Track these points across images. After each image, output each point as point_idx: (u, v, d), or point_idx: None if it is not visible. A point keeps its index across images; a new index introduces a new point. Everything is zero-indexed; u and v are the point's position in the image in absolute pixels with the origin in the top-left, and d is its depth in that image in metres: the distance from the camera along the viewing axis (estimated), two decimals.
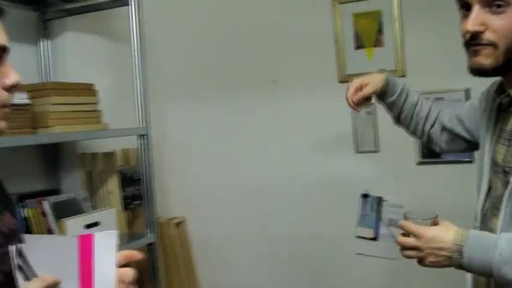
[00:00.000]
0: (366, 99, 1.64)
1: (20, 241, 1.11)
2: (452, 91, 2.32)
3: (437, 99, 2.32)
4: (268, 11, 2.65)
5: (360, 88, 1.61)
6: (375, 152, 2.45)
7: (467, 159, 2.27)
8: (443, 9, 2.29)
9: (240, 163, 2.75)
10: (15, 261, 1.00)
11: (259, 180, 2.66)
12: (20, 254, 1.01)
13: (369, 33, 2.46)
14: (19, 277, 1.01)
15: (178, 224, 2.78)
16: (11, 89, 1.04)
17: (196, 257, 2.89)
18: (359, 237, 2.06)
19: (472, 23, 1.12)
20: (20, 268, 1.01)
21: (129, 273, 1.11)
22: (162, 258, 2.65)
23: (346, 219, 2.09)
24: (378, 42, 2.45)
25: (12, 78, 1.03)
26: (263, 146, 2.68)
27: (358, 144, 2.47)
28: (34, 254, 1.02)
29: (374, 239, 2.02)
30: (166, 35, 2.84)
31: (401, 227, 1.25)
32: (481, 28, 1.12)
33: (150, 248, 2.37)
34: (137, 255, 1.15)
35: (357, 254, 2.05)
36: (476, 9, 1.13)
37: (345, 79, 2.46)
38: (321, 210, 2.54)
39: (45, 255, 1.04)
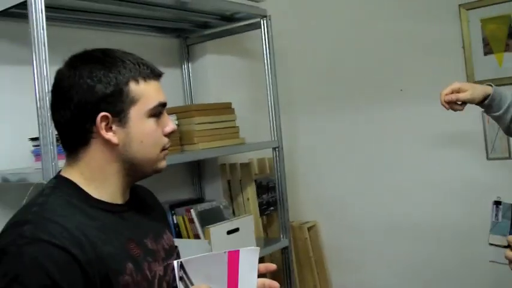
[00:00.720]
0: (459, 104, 1.65)
1: (178, 256, 1.26)
2: None
3: None
4: (394, 20, 2.60)
5: (458, 91, 1.62)
6: (508, 158, 2.32)
7: None
8: None
9: (368, 169, 2.73)
10: (178, 273, 1.12)
11: (388, 186, 2.62)
12: (182, 267, 1.12)
13: (498, 38, 2.32)
14: (180, 286, 1.12)
15: (310, 228, 2.83)
16: (169, 135, 1.18)
17: (328, 259, 2.91)
18: (492, 244, 2.00)
19: None
20: (181, 279, 1.12)
21: (276, 284, 1.23)
22: (295, 261, 2.72)
23: (479, 225, 2.01)
24: (508, 47, 2.30)
25: (170, 126, 1.17)
26: (391, 153, 2.63)
27: (489, 150, 2.35)
28: (191, 267, 1.14)
29: (507, 246, 1.96)
30: (296, 51, 2.91)
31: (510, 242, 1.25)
32: None
33: (284, 251, 2.46)
34: (272, 266, 1.27)
35: (490, 261, 1.98)
36: None
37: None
38: (455, 214, 2.45)
39: (200, 268, 1.15)
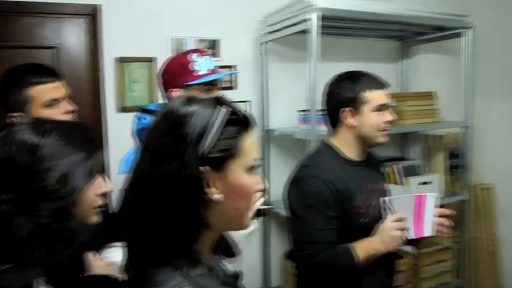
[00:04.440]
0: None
1: (386, 196, 1.58)
2: None
3: None
4: None
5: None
6: None
7: None
8: None
9: None
10: (384, 206, 1.48)
11: None
12: (389, 202, 1.48)
13: None
14: (386, 213, 1.47)
15: (487, 189, 2.92)
16: (390, 122, 1.54)
17: (499, 215, 2.96)
18: None
19: None
20: (386, 209, 1.48)
21: (446, 222, 1.52)
22: (472, 211, 2.88)
23: None
24: None
25: (389, 117, 1.53)
26: None
27: None
28: (394, 203, 1.48)
29: None
30: (493, 49, 2.92)
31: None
32: None
33: (462, 203, 2.69)
34: (446, 212, 1.54)
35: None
36: None
37: None
38: None
39: (399, 204, 1.48)
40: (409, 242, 1.54)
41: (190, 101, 0.76)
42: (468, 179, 2.71)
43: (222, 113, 0.74)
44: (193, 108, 0.74)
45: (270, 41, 2.50)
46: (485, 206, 2.93)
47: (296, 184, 1.53)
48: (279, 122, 2.56)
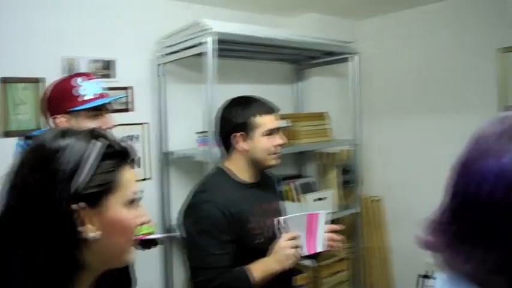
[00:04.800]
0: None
1: (280, 215, 1.63)
2: None
3: None
4: (446, 57, 2.84)
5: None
6: None
7: None
8: None
9: (422, 162, 2.97)
10: (278, 225, 1.53)
11: (433, 177, 2.78)
12: (283, 222, 1.53)
13: None
14: (280, 232, 1.52)
15: (377, 201, 3.17)
16: (279, 146, 1.58)
17: (388, 224, 3.21)
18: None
19: None
20: (280, 229, 1.53)
21: (336, 237, 1.59)
22: (364, 222, 3.05)
23: None
24: None
25: (279, 141, 1.57)
26: (440, 149, 2.83)
27: None
28: (288, 222, 1.53)
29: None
30: (377, 72, 3.22)
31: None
32: None
33: (355, 216, 2.85)
34: (337, 227, 1.63)
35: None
36: None
37: (507, 109, 2.57)
38: None
39: (293, 222, 1.54)
40: (308, 256, 1.60)
41: (63, 134, 0.72)
42: (359, 193, 2.87)
43: (98, 146, 0.71)
44: (67, 142, 0.70)
45: (167, 62, 2.47)
46: (375, 216, 3.14)
47: (190, 210, 1.52)
48: (178, 144, 2.52)
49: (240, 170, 1.59)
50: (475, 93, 2.73)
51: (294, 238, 1.52)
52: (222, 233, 1.45)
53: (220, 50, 2.12)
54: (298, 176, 2.91)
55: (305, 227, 1.56)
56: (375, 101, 3.25)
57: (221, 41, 2.12)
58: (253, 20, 2.76)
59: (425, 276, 2.86)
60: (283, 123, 2.53)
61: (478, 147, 0.60)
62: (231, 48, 2.42)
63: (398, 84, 3.16)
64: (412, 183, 3.04)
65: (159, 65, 2.47)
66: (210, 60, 2.06)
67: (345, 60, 2.81)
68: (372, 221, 3.15)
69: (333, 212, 2.63)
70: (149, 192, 2.44)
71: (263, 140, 1.56)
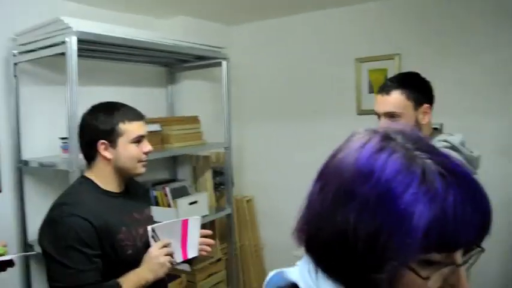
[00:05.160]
0: None
1: (153, 223, 1.59)
2: (432, 124, 2.68)
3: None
4: (311, 64, 3.07)
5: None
6: None
7: None
8: (428, 67, 2.65)
9: (289, 162, 3.17)
10: (150, 234, 1.51)
11: (300, 174, 3.04)
12: (153, 230, 1.51)
13: (378, 83, 2.76)
14: (152, 241, 1.50)
15: (249, 200, 3.29)
16: (147, 153, 1.55)
17: (259, 222, 3.36)
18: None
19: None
20: (152, 237, 1.51)
21: (209, 241, 1.61)
22: (237, 222, 3.17)
23: None
24: None
25: (147, 148, 1.54)
26: (306, 151, 3.09)
27: None
28: (159, 230, 1.51)
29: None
30: (247, 78, 3.34)
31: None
32: None
33: (228, 217, 2.90)
34: (209, 232, 1.66)
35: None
36: (382, 119, 1.60)
37: (361, 113, 2.88)
38: None
39: (164, 230, 1.52)
40: (183, 261, 1.59)
41: None
42: (232, 194, 2.94)
43: None
44: None
45: (24, 61, 2.24)
46: (247, 216, 3.25)
47: (51, 226, 1.39)
48: (38, 152, 2.30)
49: (106, 179, 1.51)
50: (337, 99, 2.98)
51: (166, 246, 1.51)
52: (90, 247, 1.36)
53: (85, 50, 1.98)
54: (172, 180, 2.86)
55: (178, 233, 1.56)
56: (246, 105, 3.37)
57: (83, 41, 1.99)
58: (122, 20, 2.65)
59: None
60: (154, 127, 2.48)
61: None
62: (98, 48, 2.28)
63: (267, 89, 3.30)
64: (279, 183, 3.23)
65: (15, 64, 2.23)
66: (71, 61, 1.91)
67: (217, 64, 2.85)
68: (244, 221, 3.25)
69: (206, 215, 2.66)
70: (1, 206, 2.19)
71: (130, 148, 1.51)
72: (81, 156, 1.71)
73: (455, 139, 1.57)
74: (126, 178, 1.58)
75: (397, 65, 2.77)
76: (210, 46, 2.77)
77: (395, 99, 1.56)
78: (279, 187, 3.24)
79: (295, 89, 3.19)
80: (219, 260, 2.98)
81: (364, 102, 2.90)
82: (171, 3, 2.66)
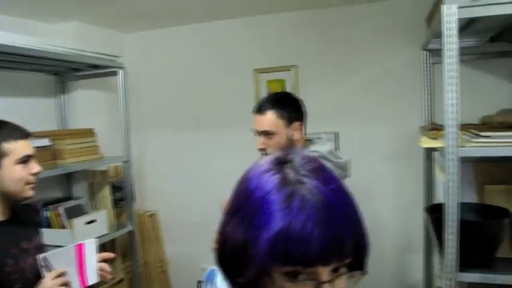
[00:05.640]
0: None
1: (44, 251, 1.48)
2: (328, 133, 2.82)
3: (318, 138, 2.83)
4: (210, 75, 3.07)
5: None
6: None
7: None
8: (323, 78, 2.80)
9: (192, 173, 3.14)
10: (42, 263, 1.39)
11: (210, 188, 2.99)
12: (44, 259, 1.40)
13: None
14: (44, 271, 1.38)
15: (152, 215, 3.18)
16: (35, 175, 1.44)
17: (164, 237, 3.27)
18: None
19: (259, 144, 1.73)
20: (44, 267, 1.39)
21: (107, 267, 1.52)
22: (141, 238, 3.06)
23: None
24: None
25: (36, 169, 1.44)
26: (208, 163, 3.11)
27: None
28: (52, 258, 1.40)
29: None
30: (147, 88, 3.24)
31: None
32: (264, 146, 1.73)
33: (129, 234, 2.77)
34: (110, 255, 1.57)
35: None
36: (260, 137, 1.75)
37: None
38: None
39: (57, 258, 1.41)
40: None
41: None
42: (134, 209, 2.81)
43: None
44: None
45: None
46: (151, 231, 3.13)
47: None
48: None
49: None
50: (237, 110, 3.00)
51: (61, 275, 1.38)
52: None
53: None
54: (67, 199, 2.65)
55: (73, 260, 1.45)
56: (147, 116, 3.26)
57: None
58: (3, 23, 2.40)
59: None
60: (42, 142, 2.28)
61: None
62: None
63: (168, 99, 3.23)
64: (183, 195, 3.17)
65: None
66: None
67: (113, 73, 2.71)
68: (148, 236, 3.13)
69: (106, 234, 2.51)
70: None
71: (16, 169, 1.38)
72: None
73: (324, 148, 1.77)
74: (12, 203, 1.43)
75: (294, 75, 2.88)
76: (104, 54, 2.63)
77: (269, 119, 1.72)
78: (182, 199, 3.18)
79: (196, 99, 3.16)
80: (121, 280, 2.82)
81: None
82: (63, 8, 2.47)
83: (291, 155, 0.66)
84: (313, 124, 2.80)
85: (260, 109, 1.75)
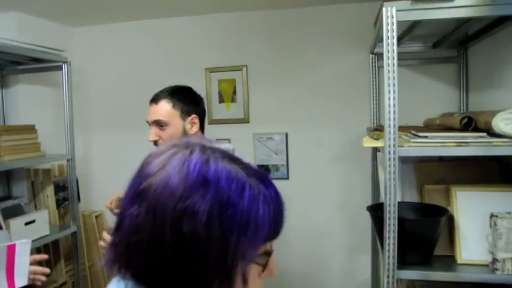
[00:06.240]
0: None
1: None
2: (278, 133, 2.85)
3: (268, 138, 2.85)
4: (161, 73, 3.00)
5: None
6: None
7: None
8: (273, 79, 2.79)
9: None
10: None
11: None
12: None
13: (228, 93, 2.91)
14: None
15: (98, 216, 3.08)
16: None
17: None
18: None
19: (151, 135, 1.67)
20: None
21: (40, 269, 1.45)
22: (85, 240, 2.95)
23: None
24: (233, 99, 2.91)
25: None
26: None
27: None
28: None
29: None
30: (92, 84, 3.14)
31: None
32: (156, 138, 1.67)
33: (73, 235, 2.67)
34: (43, 257, 1.51)
35: None
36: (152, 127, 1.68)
37: (212, 122, 2.90)
38: None
39: None
40: None
41: None
42: (78, 210, 2.71)
43: None
44: None
45: None
46: (97, 232, 3.03)
47: None
48: None
49: None
50: None
51: None
52: None
53: None
54: (5, 198, 2.53)
55: (3, 261, 1.37)
56: (93, 113, 3.16)
57: None
58: None
59: None
60: None
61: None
62: None
63: (115, 96, 3.14)
64: None
65: None
66: None
67: (57, 68, 2.61)
68: (94, 238, 3.02)
69: (47, 235, 2.41)
70: None
71: None
72: None
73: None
74: None
75: (244, 75, 2.88)
76: (47, 48, 2.52)
77: (163, 108, 1.66)
78: None
79: (145, 98, 3.02)
80: (64, 283, 2.71)
81: (214, 112, 2.95)
82: None
83: (197, 143, 0.65)
84: (263, 124, 2.84)
85: (154, 98, 1.68)
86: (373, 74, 2.66)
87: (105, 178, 3.16)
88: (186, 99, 1.70)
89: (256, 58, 2.86)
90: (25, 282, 1.42)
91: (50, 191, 2.68)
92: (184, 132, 1.66)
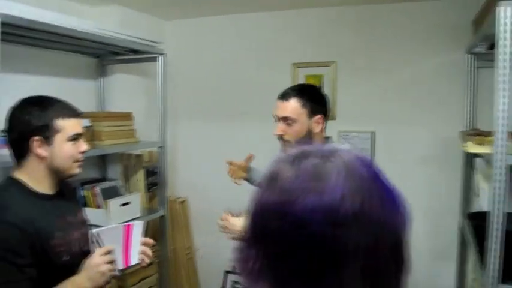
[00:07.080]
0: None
1: (87, 226, 1.53)
2: (364, 132, 2.80)
3: (354, 136, 2.81)
4: (248, 67, 3.06)
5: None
6: None
7: None
8: (362, 76, 2.76)
9: (223, 164, 3.10)
10: (94, 239, 1.43)
11: None
12: (97, 234, 1.43)
13: None
14: (95, 247, 1.42)
15: (182, 202, 3.21)
16: (83, 153, 1.48)
17: (192, 224, 3.30)
18: None
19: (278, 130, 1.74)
20: (96, 242, 1.43)
21: (149, 251, 1.55)
22: (170, 224, 3.08)
23: None
24: None
25: (84, 147, 1.47)
26: (240, 153, 3.11)
27: None
28: (102, 234, 1.44)
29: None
30: (184, 76, 3.26)
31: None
32: (282, 133, 1.72)
33: (161, 219, 2.81)
34: (151, 241, 1.59)
35: None
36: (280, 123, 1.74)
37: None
38: None
39: (108, 235, 1.45)
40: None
41: None
42: (165, 195, 2.84)
43: None
44: None
45: None
46: (181, 217, 3.17)
47: None
48: None
49: (37, 180, 1.40)
50: (273, 102, 2.96)
51: (109, 252, 1.42)
52: (20, 256, 1.26)
53: (6, 34, 1.80)
54: (102, 180, 2.71)
55: (121, 239, 1.48)
56: (181, 103, 3.28)
57: (7, 25, 1.79)
58: (49, 5, 2.44)
59: (231, 272, 3.03)
60: (84, 123, 2.32)
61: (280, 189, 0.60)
62: (22, 33, 2.08)
63: (202, 88, 3.24)
64: (213, 184, 3.15)
65: None
66: None
67: (152, 59, 2.73)
68: (177, 222, 3.16)
69: (139, 217, 2.56)
70: None
71: (67, 146, 1.40)
72: (5, 152, 1.55)
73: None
74: (60, 179, 1.47)
75: (333, 71, 2.85)
76: (146, 40, 2.65)
77: (292, 106, 1.70)
78: (212, 188, 3.17)
79: (232, 90, 3.17)
80: (150, 264, 2.86)
81: None
82: None
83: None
84: (349, 122, 2.81)
85: (284, 95, 1.74)
86: (470, 74, 2.52)
87: (190, 166, 3.29)
88: (314, 99, 1.74)
89: (345, 54, 2.83)
90: (137, 261, 1.52)
91: (140, 175, 2.83)
92: (309, 131, 1.71)
